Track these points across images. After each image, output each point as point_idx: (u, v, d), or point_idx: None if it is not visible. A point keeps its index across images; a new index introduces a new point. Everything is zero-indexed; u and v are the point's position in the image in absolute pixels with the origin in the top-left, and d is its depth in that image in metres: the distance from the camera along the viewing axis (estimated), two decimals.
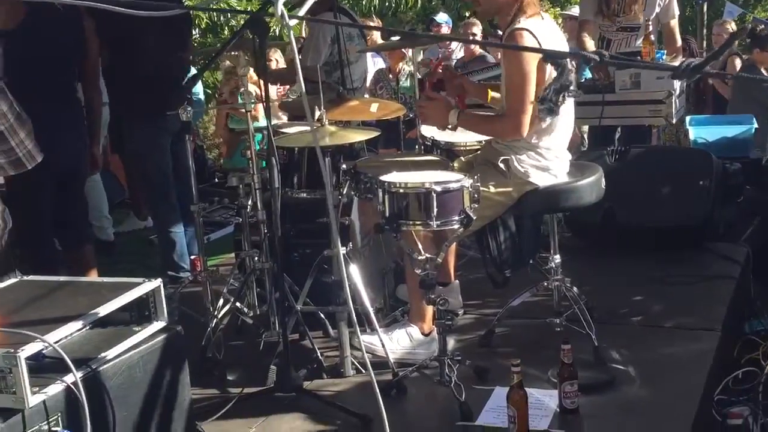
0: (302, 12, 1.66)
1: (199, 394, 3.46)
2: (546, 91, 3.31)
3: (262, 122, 4.86)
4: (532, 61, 3.47)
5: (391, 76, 7.77)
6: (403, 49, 7.54)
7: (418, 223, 3.31)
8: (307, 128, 3.89)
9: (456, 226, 3.32)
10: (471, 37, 8.55)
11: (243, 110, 7.12)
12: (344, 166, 3.86)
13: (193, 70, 6.26)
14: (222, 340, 3.91)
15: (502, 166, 3.62)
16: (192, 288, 4.68)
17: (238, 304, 4.04)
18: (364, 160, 4.01)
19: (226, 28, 10.54)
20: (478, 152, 4.01)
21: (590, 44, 5.62)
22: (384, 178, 3.37)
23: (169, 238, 5.24)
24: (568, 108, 3.63)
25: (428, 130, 4.36)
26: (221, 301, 4.09)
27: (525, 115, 3.51)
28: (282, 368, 3.46)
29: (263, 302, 4.13)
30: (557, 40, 3.72)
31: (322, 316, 4.02)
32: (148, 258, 6.39)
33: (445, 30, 8.94)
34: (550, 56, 2.63)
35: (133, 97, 5.00)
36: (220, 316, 3.99)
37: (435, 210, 3.25)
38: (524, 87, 3.49)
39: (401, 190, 3.32)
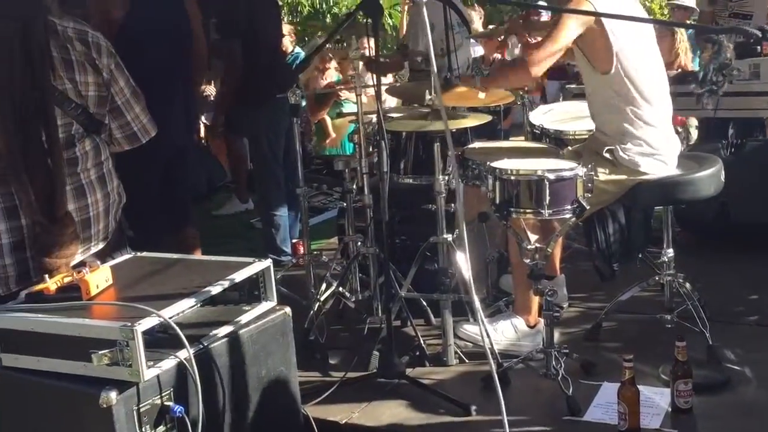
0: None
1: (302, 376, 3.42)
2: (705, 70, 3.17)
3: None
4: (578, 22, 3.33)
5: (484, 65, 7.68)
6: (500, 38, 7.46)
7: (529, 211, 3.24)
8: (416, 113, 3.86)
9: (568, 216, 3.24)
10: None
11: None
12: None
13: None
14: (325, 324, 3.91)
15: (608, 156, 3.51)
16: (291, 272, 4.72)
17: (340, 288, 4.04)
18: (470, 146, 3.94)
19: (328, 15, 10.58)
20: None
21: None
22: (495, 164, 3.31)
23: (273, 222, 5.29)
24: (662, 78, 3.50)
25: (537, 118, 4.27)
26: (324, 285, 4.09)
27: (541, 54, 3.40)
28: (385, 354, 3.45)
29: (365, 287, 4.12)
30: (628, 9, 3.49)
31: (424, 303, 3.99)
32: (249, 241, 6.46)
33: (545, 18, 8.78)
34: (704, 32, 2.51)
35: (256, 80, 5.08)
36: (322, 299, 3.99)
37: (547, 198, 3.17)
38: (556, 38, 3.37)
39: (513, 177, 3.25)
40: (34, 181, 2.62)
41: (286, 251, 5.28)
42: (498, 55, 7.50)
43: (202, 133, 7.86)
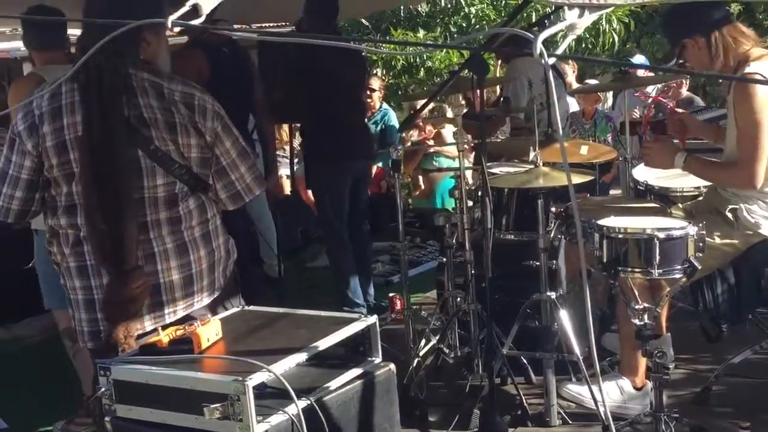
0: (560, 50, 1.58)
1: None
2: None
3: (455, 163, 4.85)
4: (765, 106, 3.27)
5: (584, 119, 7.65)
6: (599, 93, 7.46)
7: (638, 270, 3.17)
8: (519, 169, 3.84)
9: (678, 276, 3.15)
10: (675, 82, 8.22)
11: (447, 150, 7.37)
12: (553, 208, 3.77)
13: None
14: (424, 380, 3.87)
15: (729, 215, 3.41)
16: (388, 326, 4.70)
17: (439, 344, 4.00)
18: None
19: (422, 69, 10.65)
20: (698, 199, 3.81)
21: None
22: (602, 222, 3.25)
23: (342, 276, 5.27)
24: None
25: (642, 175, 4.18)
26: (423, 341, 4.06)
27: (758, 165, 3.29)
28: (486, 412, 3.40)
29: (464, 343, 4.08)
30: None
31: (525, 361, 3.93)
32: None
33: (640, 74, 8.69)
34: None
35: (322, 137, 5.12)
36: (422, 354, 3.96)
37: (657, 258, 3.09)
38: (757, 135, 3.27)
39: (620, 236, 3.18)
40: (109, 232, 2.69)
41: (359, 302, 5.22)
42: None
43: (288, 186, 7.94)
